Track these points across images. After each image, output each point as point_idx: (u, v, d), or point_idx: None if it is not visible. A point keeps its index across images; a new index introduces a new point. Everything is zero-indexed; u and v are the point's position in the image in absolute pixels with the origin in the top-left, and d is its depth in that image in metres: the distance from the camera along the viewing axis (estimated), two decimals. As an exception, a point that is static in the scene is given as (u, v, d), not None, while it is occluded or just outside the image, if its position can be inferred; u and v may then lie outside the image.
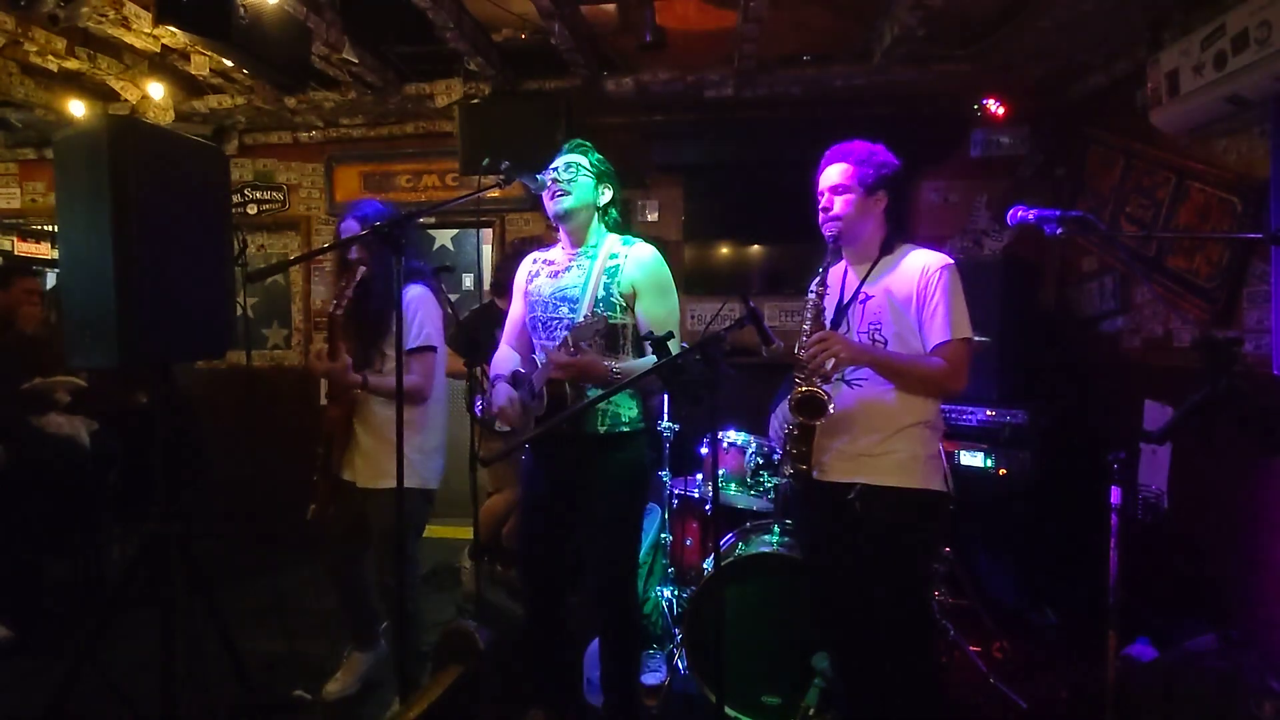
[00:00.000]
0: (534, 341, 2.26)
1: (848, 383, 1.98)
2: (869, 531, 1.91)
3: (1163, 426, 1.89)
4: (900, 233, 2.04)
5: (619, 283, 2.12)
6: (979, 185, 4.19)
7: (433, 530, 4.26)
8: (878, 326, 1.94)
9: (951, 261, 1.93)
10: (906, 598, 1.92)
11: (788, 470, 1.98)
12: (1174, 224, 3.03)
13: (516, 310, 2.34)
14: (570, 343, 1.93)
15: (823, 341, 1.82)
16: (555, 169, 2.16)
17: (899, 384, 1.90)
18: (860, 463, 1.93)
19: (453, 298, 3.62)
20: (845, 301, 2.01)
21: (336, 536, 2.54)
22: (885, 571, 1.90)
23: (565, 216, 2.16)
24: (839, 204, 1.97)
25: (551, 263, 2.26)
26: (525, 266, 2.34)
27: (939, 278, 1.89)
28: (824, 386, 1.85)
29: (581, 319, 2.00)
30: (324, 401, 2.49)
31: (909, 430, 1.90)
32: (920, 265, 1.92)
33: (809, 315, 1.94)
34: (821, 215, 2.00)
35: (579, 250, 2.21)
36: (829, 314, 1.99)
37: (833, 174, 2.00)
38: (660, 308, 2.12)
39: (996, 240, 4.18)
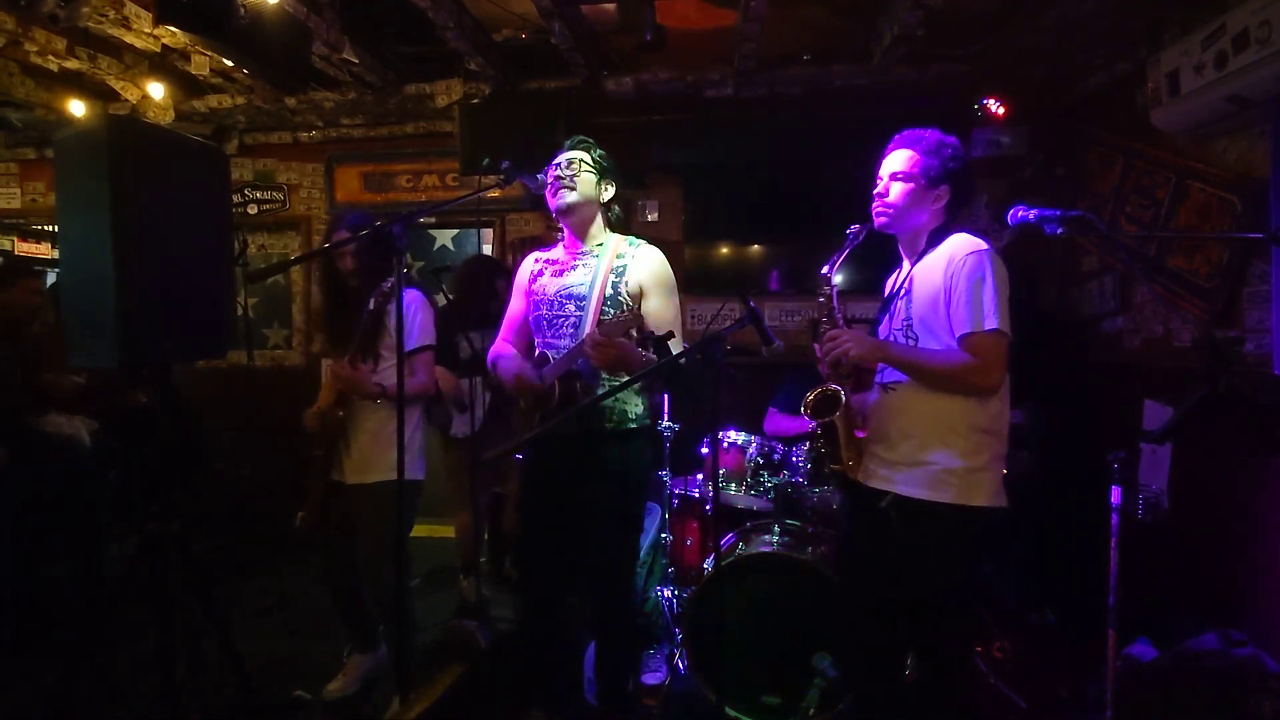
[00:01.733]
0: (536, 339, 2.25)
1: (883, 386, 1.91)
2: (898, 543, 1.83)
3: (1163, 426, 1.89)
4: (954, 225, 1.89)
5: (627, 282, 2.12)
6: (979, 185, 4.18)
7: (433, 530, 4.28)
8: (909, 322, 1.86)
9: (984, 247, 1.78)
10: (929, 613, 1.85)
11: (827, 469, 1.97)
12: (1174, 224, 3.03)
13: (517, 307, 2.33)
14: (608, 333, 1.92)
15: (833, 340, 1.81)
16: (558, 165, 2.16)
17: (923, 382, 1.80)
18: (895, 470, 1.84)
19: (451, 297, 3.61)
20: (889, 295, 1.95)
21: (330, 540, 2.55)
22: (910, 585, 1.84)
23: (568, 211, 2.16)
24: (895, 191, 1.87)
25: (555, 261, 2.26)
26: (527, 266, 2.34)
27: (964, 265, 1.74)
28: (865, 390, 1.83)
29: (607, 317, 2.02)
30: (325, 405, 2.50)
31: (947, 437, 1.77)
32: (948, 254, 1.79)
33: (823, 314, 1.92)
34: (875, 200, 1.89)
35: (583, 248, 2.21)
36: (838, 311, 1.95)
37: (897, 160, 1.89)
38: (667, 308, 2.14)
39: (996, 240, 4.14)
